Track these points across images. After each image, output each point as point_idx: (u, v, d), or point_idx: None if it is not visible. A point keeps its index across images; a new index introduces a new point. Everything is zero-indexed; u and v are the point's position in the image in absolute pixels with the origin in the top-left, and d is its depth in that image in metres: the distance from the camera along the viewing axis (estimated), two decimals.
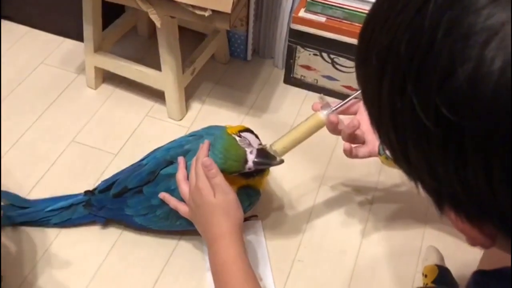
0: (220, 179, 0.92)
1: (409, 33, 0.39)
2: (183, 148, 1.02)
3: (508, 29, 0.35)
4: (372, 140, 0.95)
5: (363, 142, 0.97)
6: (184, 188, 0.96)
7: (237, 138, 0.95)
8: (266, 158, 0.95)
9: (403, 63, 0.39)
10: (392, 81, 0.41)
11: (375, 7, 0.44)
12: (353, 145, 0.96)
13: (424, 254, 1.06)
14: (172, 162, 1.01)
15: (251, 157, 0.93)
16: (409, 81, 0.39)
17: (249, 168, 0.94)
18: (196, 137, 1.04)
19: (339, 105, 0.96)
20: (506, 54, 0.35)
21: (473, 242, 0.46)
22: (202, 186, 0.91)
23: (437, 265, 0.99)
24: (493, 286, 0.46)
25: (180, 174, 0.97)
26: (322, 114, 0.96)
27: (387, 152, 0.94)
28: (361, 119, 0.94)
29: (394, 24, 0.40)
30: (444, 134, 0.38)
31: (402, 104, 0.40)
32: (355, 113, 0.98)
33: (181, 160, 0.99)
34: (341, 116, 0.98)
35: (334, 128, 0.95)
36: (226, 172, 0.93)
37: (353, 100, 0.97)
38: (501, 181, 0.37)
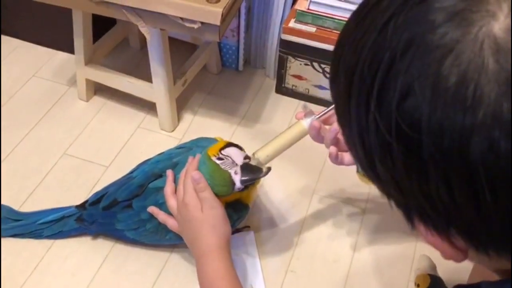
0: (208, 193, 0.92)
1: (372, 53, 0.40)
2: (171, 161, 1.02)
3: (461, 46, 0.36)
4: None
5: (347, 150, 0.97)
6: (172, 202, 0.96)
7: (218, 162, 0.93)
8: (252, 173, 0.94)
9: (366, 82, 0.40)
10: (358, 99, 0.42)
11: (346, 26, 0.46)
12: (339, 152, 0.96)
13: (416, 263, 1.06)
14: (160, 175, 1.01)
15: (237, 178, 0.93)
16: (371, 99, 0.40)
17: (239, 189, 0.94)
18: (185, 149, 1.04)
19: (322, 113, 0.96)
20: (460, 70, 0.36)
21: (445, 256, 0.47)
22: (189, 201, 0.91)
23: (429, 274, 0.99)
24: None
25: (168, 188, 0.97)
26: (305, 122, 0.96)
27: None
28: None
29: (359, 44, 0.41)
30: (405, 150, 0.39)
31: (367, 122, 0.41)
32: None
33: (169, 173, 0.99)
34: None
35: (317, 134, 0.94)
36: (219, 197, 0.93)
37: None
38: (462, 195, 0.38)
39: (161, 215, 0.98)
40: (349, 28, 0.44)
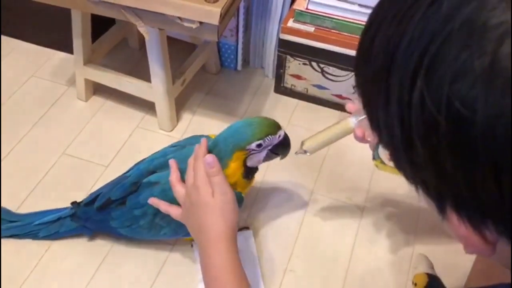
0: (220, 178, 0.90)
1: (421, 26, 0.38)
2: (166, 158, 1.02)
3: None
4: None
5: None
6: (179, 188, 0.93)
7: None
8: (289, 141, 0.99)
9: (414, 56, 0.39)
10: (401, 75, 0.40)
11: (380, 6, 0.44)
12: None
13: (414, 262, 1.06)
14: (154, 171, 1.01)
15: (282, 131, 0.97)
16: (419, 74, 0.38)
17: (279, 135, 0.96)
18: (179, 147, 1.04)
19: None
20: None
21: (472, 250, 0.44)
22: (200, 185, 0.89)
23: (427, 273, 0.99)
24: None
25: (174, 175, 0.95)
26: (352, 121, 0.95)
27: (382, 157, 0.95)
28: None
29: (405, 18, 0.40)
30: (455, 129, 0.37)
31: (411, 99, 0.39)
32: None
33: (173, 162, 0.97)
34: None
35: (361, 139, 0.94)
36: (260, 134, 0.94)
37: None
38: (510, 185, 0.36)
39: (162, 205, 0.96)
40: (386, 7, 0.43)
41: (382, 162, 0.93)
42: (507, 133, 0.35)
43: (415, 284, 0.99)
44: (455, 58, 0.37)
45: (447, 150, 0.38)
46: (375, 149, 0.94)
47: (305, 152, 1.01)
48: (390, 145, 0.44)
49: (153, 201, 0.98)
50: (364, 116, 0.94)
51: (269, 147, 0.97)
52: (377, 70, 0.42)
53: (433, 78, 0.38)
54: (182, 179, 0.96)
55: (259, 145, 0.94)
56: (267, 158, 0.99)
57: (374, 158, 0.96)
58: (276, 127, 0.97)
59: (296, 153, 1.02)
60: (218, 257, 0.86)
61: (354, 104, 0.97)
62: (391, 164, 0.48)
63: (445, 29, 0.37)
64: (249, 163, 0.97)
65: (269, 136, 0.95)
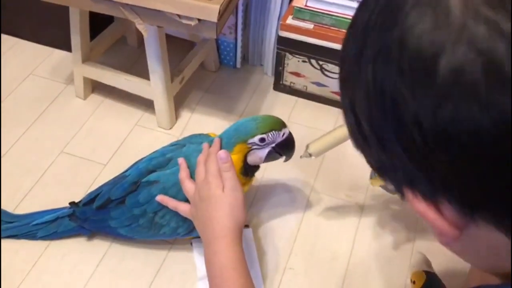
0: (232, 173, 0.91)
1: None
2: (165, 157, 1.02)
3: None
4: None
5: None
6: (189, 185, 0.94)
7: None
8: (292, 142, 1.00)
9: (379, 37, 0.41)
10: (369, 53, 0.42)
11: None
12: None
13: (412, 260, 1.06)
14: (154, 171, 1.01)
15: (287, 129, 0.98)
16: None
17: (284, 133, 0.96)
18: (178, 146, 1.04)
19: None
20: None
21: (441, 236, 0.45)
22: (211, 180, 0.90)
23: (424, 271, 0.99)
24: None
25: (183, 173, 0.96)
26: None
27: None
28: None
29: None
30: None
31: (373, 73, 0.41)
32: None
33: (182, 160, 0.98)
34: None
35: None
36: (264, 128, 0.95)
37: None
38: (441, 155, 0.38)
39: (170, 202, 0.97)
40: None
41: (378, 177, 0.94)
42: (425, 107, 0.37)
43: (414, 282, 0.98)
44: (378, 36, 0.40)
45: (381, 120, 0.41)
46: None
47: (310, 155, 1.02)
48: (351, 133, 0.48)
49: (161, 198, 0.97)
50: None
51: (273, 145, 0.96)
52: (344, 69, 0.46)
53: (363, 58, 0.41)
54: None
55: (262, 140, 0.95)
56: (270, 157, 0.99)
57: (371, 177, 1.00)
58: (281, 124, 0.97)
59: (301, 157, 1.03)
60: (223, 253, 0.86)
61: None
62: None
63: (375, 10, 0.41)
64: (249, 159, 0.97)
65: (273, 131, 0.95)
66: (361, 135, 0.45)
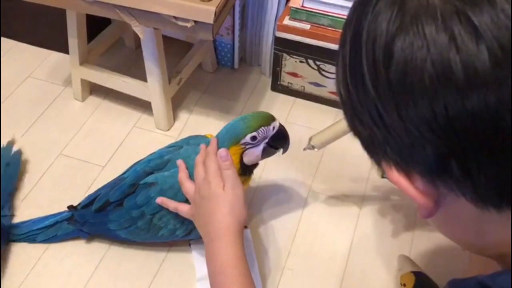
0: (232, 171, 0.91)
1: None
2: (163, 158, 1.02)
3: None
4: None
5: None
6: (189, 185, 0.94)
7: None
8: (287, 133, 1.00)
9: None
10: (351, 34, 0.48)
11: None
12: None
13: (397, 264, 1.06)
14: (152, 173, 1.01)
15: (276, 122, 0.98)
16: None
17: (274, 127, 0.96)
18: (176, 147, 1.05)
19: None
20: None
21: (419, 208, 0.48)
22: (211, 179, 0.90)
23: (412, 272, 0.98)
24: None
25: (182, 174, 0.96)
26: None
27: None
28: None
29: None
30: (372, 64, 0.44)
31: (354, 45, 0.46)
32: None
33: (180, 162, 0.98)
34: None
35: None
36: (253, 127, 0.95)
37: None
38: (412, 119, 0.42)
39: (170, 204, 0.97)
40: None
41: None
42: (383, 41, 0.43)
43: (404, 285, 0.98)
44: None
45: (351, 81, 0.47)
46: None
47: (313, 147, 1.04)
48: (340, 96, 0.51)
49: (161, 200, 0.97)
50: None
51: (266, 140, 0.97)
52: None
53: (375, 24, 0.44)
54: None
55: (253, 138, 0.95)
56: (266, 153, 0.99)
57: (382, 176, 1.03)
58: (270, 118, 0.97)
59: (304, 149, 1.06)
60: (224, 250, 0.86)
61: None
62: None
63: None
64: (246, 160, 0.97)
65: (263, 127, 0.95)
66: (352, 108, 0.48)
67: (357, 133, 0.50)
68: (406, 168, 0.46)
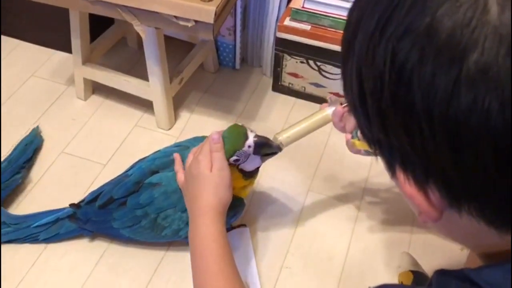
0: (221, 154, 0.94)
1: None
2: (169, 158, 1.03)
3: None
4: None
5: None
6: (181, 175, 0.99)
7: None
8: (266, 139, 0.96)
9: (375, 17, 0.42)
10: (363, 36, 0.43)
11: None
12: None
13: (397, 261, 1.06)
14: (157, 171, 1.02)
15: (251, 135, 0.94)
16: (375, 33, 0.42)
17: (249, 146, 0.93)
18: (182, 147, 1.05)
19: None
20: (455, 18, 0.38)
21: (420, 211, 0.46)
22: (202, 159, 0.94)
23: (411, 271, 0.99)
24: (453, 286, 0.46)
25: (178, 165, 1.00)
26: (330, 109, 0.97)
27: (359, 136, 0.96)
28: None
29: None
30: (396, 83, 0.40)
31: (366, 55, 0.42)
32: None
33: (177, 155, 1.02)
34: None
35: (339, 120, 0.96)
36: (229, 152, 0.94)
37: None
38: (442, 144, 0.39)
39: (177, 164, 1.01)
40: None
41: (359, 139, 0.94)
42: (443, 94, 0.38)
43: (401, 283, 0.98)
44: (404, 17, 0.39)
45: (389, 101, 0.41)
46: (354, 130, 0.95)
47: (281, 144, 0.98)
48: (351, 104, 0.47)
49: (176, 156, 1.02)
50: (341, 106, 0.96)
51: (251, 155, 0.95)
52: (350, 33, 0.46)
53: (385, 35, 0.41)
54: None
55: (236, 160, 0.95)
56: (263, 160, 0.98)
57: (352, 137, 0.97)
58: (242, 140, 0.94)
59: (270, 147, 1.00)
60: (204, 227, 0.90)
61: (327, 103, 1.00)
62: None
63: None
64: (246, 169, 0.97)
65: (237, 151, 0.94)
66: (363, 112, 0.45)
67: (375, 141, 0.46)
68: (427, 183, 0.43)
